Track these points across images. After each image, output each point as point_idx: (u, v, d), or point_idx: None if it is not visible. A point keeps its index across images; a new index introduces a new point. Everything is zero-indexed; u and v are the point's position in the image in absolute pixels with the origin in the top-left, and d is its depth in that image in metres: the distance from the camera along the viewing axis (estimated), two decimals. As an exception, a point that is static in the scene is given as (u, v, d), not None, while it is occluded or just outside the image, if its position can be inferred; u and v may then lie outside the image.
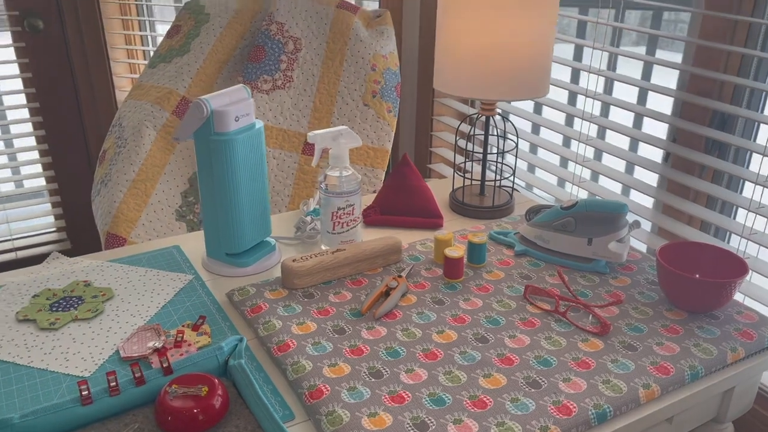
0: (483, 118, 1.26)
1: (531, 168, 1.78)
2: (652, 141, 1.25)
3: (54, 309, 0.95)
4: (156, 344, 0.87)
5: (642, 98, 1.55)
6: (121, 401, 0.74)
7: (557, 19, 1.15)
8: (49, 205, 2.29)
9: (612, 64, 1.51)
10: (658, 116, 1.24)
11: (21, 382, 0.81)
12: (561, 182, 1.60)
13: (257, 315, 0.93)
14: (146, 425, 0.73)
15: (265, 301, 0.95)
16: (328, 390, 0.77)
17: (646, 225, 1.39)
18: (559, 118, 1.63)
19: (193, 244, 1.16)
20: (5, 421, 0.68)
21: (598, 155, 1.48)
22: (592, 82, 1.39)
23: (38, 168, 2.26)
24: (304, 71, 1.57)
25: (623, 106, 1.32)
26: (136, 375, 0.75)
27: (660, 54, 1.46)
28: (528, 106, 1.68)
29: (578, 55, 1.72)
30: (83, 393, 0.72)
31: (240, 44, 1.59)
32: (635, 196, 1.54)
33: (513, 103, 1.66)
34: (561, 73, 1.59)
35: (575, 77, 1.67)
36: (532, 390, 0.78)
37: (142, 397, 0.75)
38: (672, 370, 0.82)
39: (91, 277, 1.04)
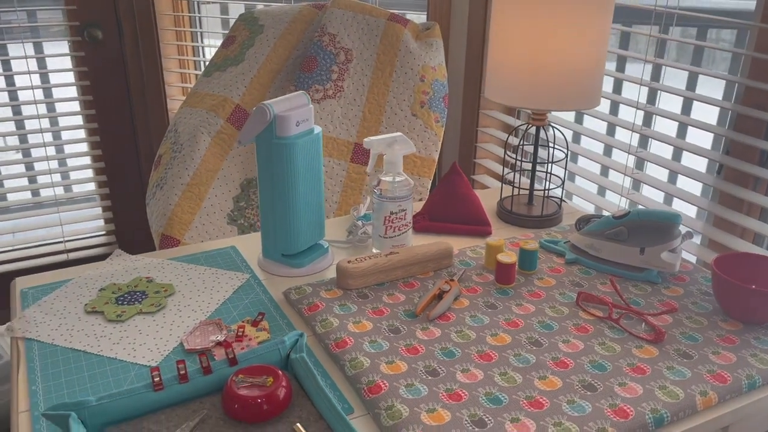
0: (533, 129, 1.27)
1: (571, 176, 1.78)
2: (703, 152, 1.25)
3: (120, 302, 0.99)
4: (218, 338, 0.90)
5: (686, 110, 1.55)
6: (189, 389, 0.77)
7: (610, 31, 1.16)
8: (99, 209, 2.36)
9: (656, 78, 1.51)
10: (710, 128, 1.24)
11: (92, 370, 0.85)
12: (601, 190, 1.60)
13: (314, 313, 0.95)
14: (213, 412, 0.76)
15: (321, 300, 0.98)
16: (386, 386, 0.79)
17: (696, 237, 1.38)
18: (600, 127, 1.64)
19: (249, 245, 1.19)
20: (82, 403, 0.71)
21: (639, 165, 1.48)
22: (635, 94, 1.40)
23: (91, 173, 2.34)
24: (355, 81, 1.60)
25: (670, 117, 1.32)
26: (204, 364, 0.78)
27: (704, 79, 1.46)
28: (569, 115, 1.69)
29: (620, 68, 1.72)
30: (155, 379, 0.75)
31: (293, 54, 1.64)
32: (678, 205, 1.53)
33: (555, 113, 1.67)
34: (604, 84, 1.59)
35: (617, 88, 1.68)
36: (588, 393, 0.79)
37: (209, 386, 0.78)
38: (729, 379, 0.82)
39: (153, 274, 1.08)
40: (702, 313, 0.96)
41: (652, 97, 1.64)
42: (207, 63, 1.73)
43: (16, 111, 2.22)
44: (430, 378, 0.81)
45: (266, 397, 0.74)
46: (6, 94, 2.21)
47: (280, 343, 0.83)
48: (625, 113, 1.54)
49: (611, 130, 1.68)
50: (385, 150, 1.09)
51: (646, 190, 1.56)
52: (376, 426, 0.76)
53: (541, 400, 0.78)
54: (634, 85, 1.40)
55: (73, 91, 2.22)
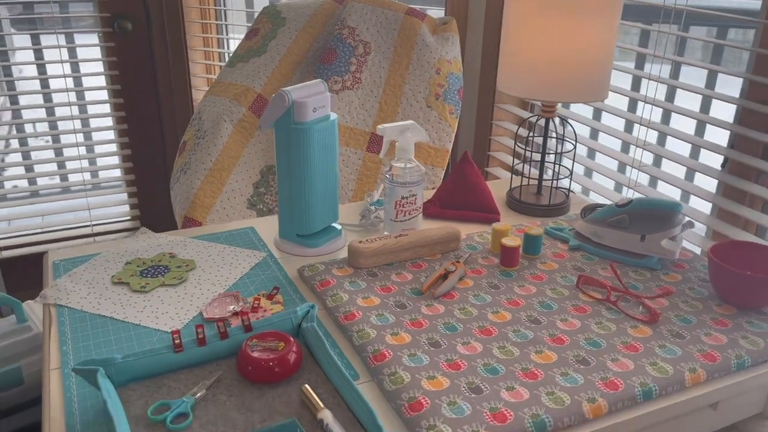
0: (542, 121, 1.31)
1: (588, 172, 1.81)
2: (711, 147, 1.28)
3: (144, 275, 1.06)
4: (235, 308, 0.96)
5: (705, 108, 1.57)
6: (206, 352, 0.83)
7: (618, 27, 1.20)
8: (126, 195, 2.45)
9: (674, 76, 1.54)
10: (716, 122, 1.27)
11: (118, 334, 0.91)
12: (618, 187, 1.64)
13: (326, 288, 1.01)
14: (228, 374, 0.81)
15: (333, 277, 1.04)
16: (390, 354, 0.84)
17: (701, 229, 1.41)
18: (618, 124, 1.67)
19: (266, 227, 1.25)
20: (110, 360, 0.77)
21: (657, 161, 1.51)
22: (651, 90, 1.43)
23: (118, 159, 2.42)
24: (372, 73, 1.65)
25: (683, 112, 1.35)
26: (221, 330, 0.84)
27: (722, 77, 1.48)
28: (587, 112, 1.73)
29: (640, 66, 1.75)
30: (176, 341, 0.81)
31: (313, 47, 1.69)
32: (694, 202, 1.56)
33: (573, 109, 1.70)
34: (622, 81, 1.62)
35: (636, 86, 1.71)
36: (582, 366, 0.83)
37: (225, 350, 0.84)
38: (719, 358, 0.86)
39: (176, 250, 1.14)
40: (698, 298, 1.00)
41: (670, 95, 1.66)
42: (231, 54, 1.79)
43: (47, 98, 2.30)
44: (432, 349, 0.86)
45: (277, 360, 0.80)
46: (38, 82, 2.30)
47: (292, 313, 0.89)
48: (644, 109, 1.57)
49: (629, 127, 1.71)
50: (398, 137, 1.14)
51: (661, 186, 1.59)
52: (379, 391, 0.81)
53: (536, 371, 0.82)
54: (652, 82, 1.43)
55: (102, 81, 2.30)
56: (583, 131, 1.87)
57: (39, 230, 2.35)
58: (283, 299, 1.00)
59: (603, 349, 0.87)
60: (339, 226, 1.21)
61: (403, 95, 1.64)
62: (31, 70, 2.28)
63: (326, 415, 0.73)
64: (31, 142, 2.57)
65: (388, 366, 0.82)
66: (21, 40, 2.72)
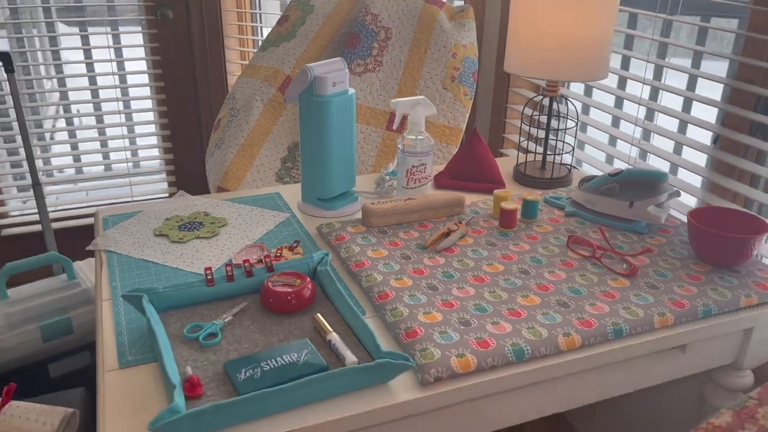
0: (547, 100, 1.41)
1: (581, 145, 1.90)
2: (702, 124, 1.36)
3: (181, 229, 1.19)
4: (260, 256, 1.09)
5: (691, 87, 1.65)
6: (234, 287, 0.96)
7: (617, 10, 1.29)
8: (164, 173, 2.61)
9: (662, 57, 1.61)
10: (706, 101, 1.35)
11: (158, 275, 1.05)
12: (609, 159, 1.72)
13: (340, 242, 1.13)
14: (252, 305, 0.94)
15: (348, 233, 1.16)
16: (393, 294, 0.96)
17: (691, 201, 1.49)
18: (609, 101, 1.75)
19: (291, 193, 1.38)
20: (152, 289, 0.91)
21: (646, 136, 1.60)
22: (642, 70, 1.51)
23: (158, 140, 2.59)
24: (392, 57, 1.77)
25: (674, 91, 1.44)
26: (247, 269, 0.97)
27: (706, 62, 1.55)
28: (579, 89, 1.81)
29: (629, 45, 1.83)
30: (208, 277, 0.95)
31: (339, 32, 1.82)
32: (684, 175, 1.64)
33: (572, 88, 1.79)
34: (612, 61, 1.71)
35: (625, 65, 1.79)
36: (562, 309, 0.94)
37: (250, 286, 0.97)
38: (687, 305, 0.96)
39: (209, 210, 1.28)
40: (677, 257, 1.10)
41: (658, 75, 1.74)
42: (263, 40, 1.92)
43: (92, 81, 2.48)
44: (430, 291, 0.98)
45: (294, 294, 0.92)
46: (85, 67, 2.47)
47: (309, 258, 1.01)
48: (632, 88, 1.65)
49: (619, 104, 1.80)
50: (410, 111, 1.26)
51: (653, 160, 1.67)
52: (382, 324, 0.93)
53: (520, 311, 0.93)
54: (641, 63, 1.52)
55: (145, 66, 2.46)
56: (577, 107, 1.95)
57: (85, 204, 2.53)
58: (303, 251, 1.13)
59: (583, 295, 0.98)
60: (356, 192, 1.33)
61: (420, 77, 1.75)
62: (79, 56, 2.45)
63: (333, 337, 0.86)
64: (77, 122, 2.76)
65: (390, 303, 0.94)
66: (69, 29, 2.91)
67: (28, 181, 2.40)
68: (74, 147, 2.54)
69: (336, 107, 1.21)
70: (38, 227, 2.41)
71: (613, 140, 1.72)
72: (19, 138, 2.48)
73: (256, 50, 2.48)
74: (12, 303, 1.52)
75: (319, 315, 0.90)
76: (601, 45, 1.28)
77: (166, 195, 2.65)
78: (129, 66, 2.57)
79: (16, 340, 1.49)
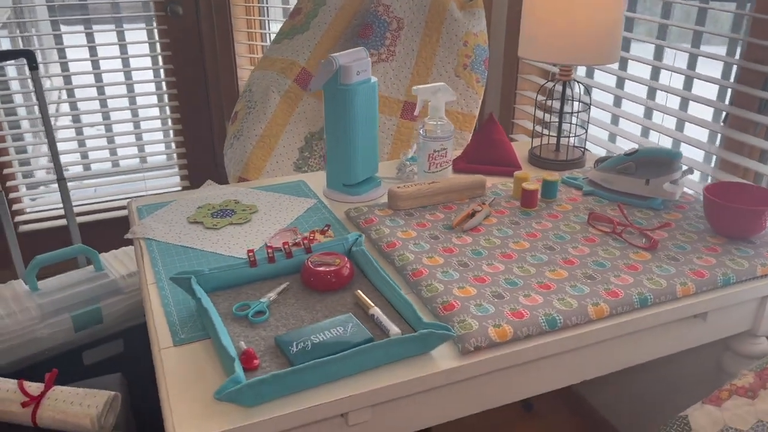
0: (558, 85, 1.45)
1: (613, 138, 1.95)
2: (710, 104, 1.41)
3: (214, 216, 1.24)
4: (295, 239, 1.13)
5: (691, 67, 1.69)
6: (275, 268, 1.01)
7: (628, -4, 1.33)
8: (176, 167, 2.65)
9: (662, 37, 1.65)
10: (715, 81, 1.40)
11: (198, 259, 1.09)
12: (612, 137, 1.77)
13: (370, 225, 1.18)
14: (294, 285, 0.99)
15: (375, 216, 1.20)
16: (426, 272, 1.01)
17: (704, 177, 1.54)
18: (611, 82, 1.79)
19: (315, 180, 1.42)
20: (199, 271, 0.95)
21: (648, 115, 1.64)
22: (643, 52, 1.56)
23: (169, 134, 2.62)
24: (405, 47, 1.81)
25: (677, 71, 1.48)
26: (287, 251, 1.02)
27: (704, 46, 1.60)
28: (581, 71, 1.86)
29: (628, 26, 1.87)
30: (251, 258, 0.99)
31: (351, 23, 1.86)
32: (687, 152, 1.67)
33: (596, 78, 1.83)
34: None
35: (625, 47, 1.83)
36: (588, 281, 0.99)
37: (290, 267, 1.02)
38: (707, 275, 1.00)
39: (239, 198, 1.32)
40: (694, 231, 1.14)
41: (658, 56, 1.79)
42: (275, 34, 1.96)
43: (98, 78, 2.51)
44: (461, 268, 1.02)
45: (334, 273, 0.97)
46: (90, 64, 2.51)
47: (343, 239, 1.06)
48: (633, 69, 1.69)
49: (620, 84, 1.83)
50: (430, 97, 1.30)
51: (655, 137, 1.72)
52: (418, 299, 0.98)
53: (549, 284, 0.98)
54: (643, 45, 1.56)
55: (157, 61, 2.50)
56: (607, 98, 2.00)
57: (100, 200, 2.57)
58: (334, 234, 1.17)
59: (607, 268, 1.02)
60: (378, 178, 1.38)
61: (433, 66, 1.79)
62: (93, 54, 2.49)
63: (376, 311, 0.90)
64: (85, 119, 2.80)
65: (425, 279, 0.99)
66: (76, 27, 2.93)
67: (36, 177, 2.43)
68: (81, 144, 2.57)
69: (360, 95, 1.25)
70: (49, 224, 2.45)
71: (615, 119, 1.77)
72: (27, 136, 2.52)
73: (264, 44, 2.51)
74: (43, 294, 1.56)
75: (359, 291, 0.95)
76: (612, 29, 1.33)
77: (179, 189, 2.69)
78: (140, 62, 2.60)
79: (49, 330, 1.53)
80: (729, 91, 1.42)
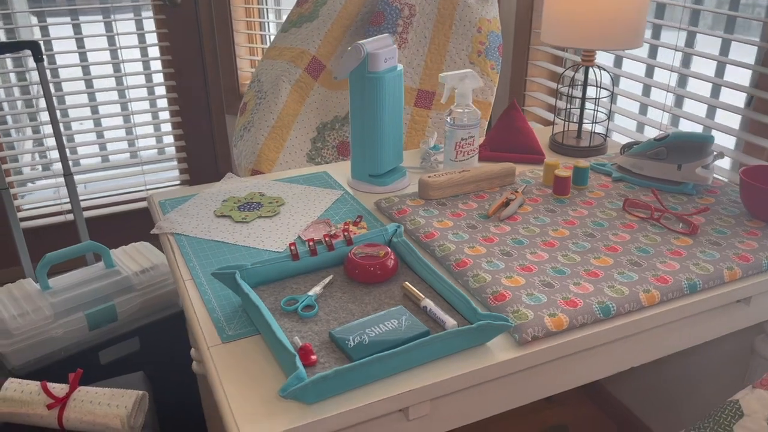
0: (574, 72, 1.44)
1: (611, 116, 1.94)
2: (737, 87, 1.41)
3: (241, 209, 1.21)
4: (330, 231, 1.11)
5: (724, 53, 1.69)
6: (317, 261, 0.98)
7: (654, -20, 1.32)
8: (175, 161, 2.60)
9: (691, 41, 1.65)
10: (740, 64, 1.40)
11: (232, 254, 1.06)
12: (641, 127, 1.76)
13: (403, 215, 1.15)
14: (338, 277, 0.97)
15: (408, 206, 1.18)
16: (471, 262, 0.99)
17: (727, 162, 1.54)
18: (640, 70, 1.79)
19: (338, 171, 1.40)
20: (242, 266, 0.93)
21: (678, 102, 1.63)
22: (673, 38, 1.55)
23: (169, 126, 2.57)
24: (417, 34, 1.78)
25: (705, 56, 1.48)
26: (328, 243, 0.99)
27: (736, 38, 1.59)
28: (609, 60, 1.85)
29: (656, 29, 1.87)
30: (293, 252, 0.96)
31: (361, 10, 1.82)
32: (720, 139, 1.68)
33: (600, 59, 1.82)
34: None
35: (656, 35, 1.83)
36: (635, 267, 0.98)
37: (332, 260, 0.99)
38: (752, 259, 1.00)
39: (263, 190, 1.29)
40: (730, 215, 1.14)
41: (690, 43, 1.78)
42: (281, 22, 1.92)
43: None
44: (505, 257, 1.01)
45: (380, 265, 0.95)
46: (96, 54, 2.45)
47: (383, 230, 1.04)
48: (662, 56, 1.69)
49: (649, 73, 1.83)
50: (457, 84, 1.28)
51: (684, 124, 1.72)
52: (465, 290, 0.96)
53: (596, 272, 0.97)
54: (672, 32, 1.55)
55: (154, 52, 2.44)
56: (608, 76, 1.99)
57: (100, 195, 2.51)
58: (367, 225, 1.15)
59: (652, 255, 1.02)
60: (404, 168, 1.35)
61: (447, 53, 1.77)
62: (93, 45, 2.42)
63: (428, 303, 0.88)
64: (75, 113, 2.73)
65: (470, 270, 0.97)
66: (72, 17, 2.85)
67: (25, 174, 2.37)
68: (71, 139, 2.51)
69: (388, 83, 1.22)
70: (51, 220, 2.39)
71: (643, 109, 1.76)
72: (28, 130, 2.45)
73: (264, 32, 2.47)
74: (56, 293, 1.52)
75: (407, 283, 0.93)
76: (637, 14, 1.31)
77: (178, 183, 2.64)
78: (138, 53, 2.54)
79: (63, 329, 1.49)
80: (750, 74, 1.42)
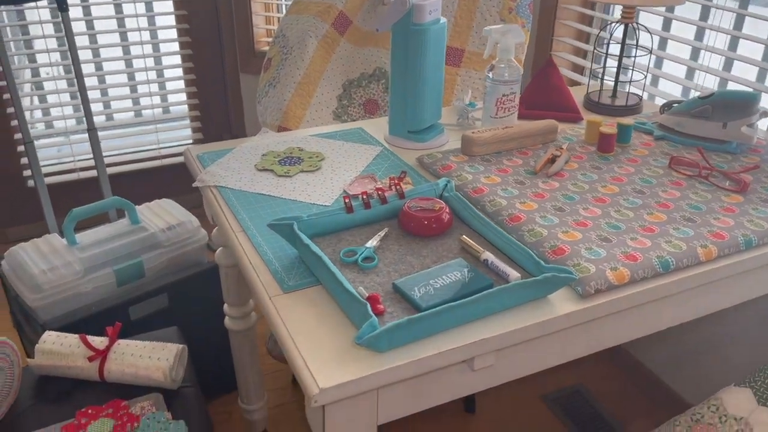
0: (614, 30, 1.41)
1: (654, 80, 1.92)
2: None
3: (282, 164, 1.19)
4: (376, 185, 1.09)
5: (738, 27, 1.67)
6: (370, 214, 0.97)
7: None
8: (188, 120, 2.56)
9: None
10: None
11: (279, 207, 1.05)
12: (686, 92, 1.75)
13: (449, 171, 1.14)
14: (392, 230, 0.96)
15: (452, 162, 1.17)
16: (524, 216, 0.98)
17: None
18: (689, 32, 1.75)
19: (373, 127, 1.38)
20: (298, 218, 0.92)
21: (727, 66, 1.61)
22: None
23: (184, 95, 2.53)
24: (446, -10, 1.74)
25: (754, 15, 1.46)
26: (381, 196, 0.98)
27: None
28: (658, 24, 1.82)
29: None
30: (347, 204, 0.95)
31: (389, -36, 1.78)
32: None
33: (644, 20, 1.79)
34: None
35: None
36: (689, 223, 0.98)
37: (385, 213, 0.98)
38: (804, 217, 1.00)
39: (302, 145, 1.27)
40: (778, 174, 1.13)
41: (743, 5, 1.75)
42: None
43: (124, 38, 2.39)
44: (558, 213, 1.00)
45: (435, 218, 0.94)
46: (116, 22, 2.38)
47: (434, 185, 1.02)
48: (713, 17, 1.66)
49: (699, 35, 1.79)
50: (500, 38, 1.26)
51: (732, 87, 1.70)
52: (520, 243, 0.95)
53: (652, 227, 0.97)
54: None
55: (169, 6, 2.38)
56: (653, 38, 1.96)
57: (114, 152, 2.48)
58: (412, 181, 1.14)
59: (704, 211, 1.01)
60: (441, 124, 1.34)
61: (477, 9, 1.73)
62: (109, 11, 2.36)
63: (489, 256, 0.88)
64: (108, 79, 2.67)
65: (525, 224, 0.97)
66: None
67: (37, 129, 2.33)
68: (105, 94, 2.47)
69: (432, 35, 1.20)
70: (58, 178, 2.37)
71: (690, 73, 1.73)
72: (27, 86, 2.40)
73: (279, 2, 2.41)
74: (84, 248, 1.50)
75: (465, 237, 0.92)
76: (685, -32, 1.29)
77: (191, 141, 2.61)
78: (153, 8, 2.48)
79: (92, 284, 1.48)
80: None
